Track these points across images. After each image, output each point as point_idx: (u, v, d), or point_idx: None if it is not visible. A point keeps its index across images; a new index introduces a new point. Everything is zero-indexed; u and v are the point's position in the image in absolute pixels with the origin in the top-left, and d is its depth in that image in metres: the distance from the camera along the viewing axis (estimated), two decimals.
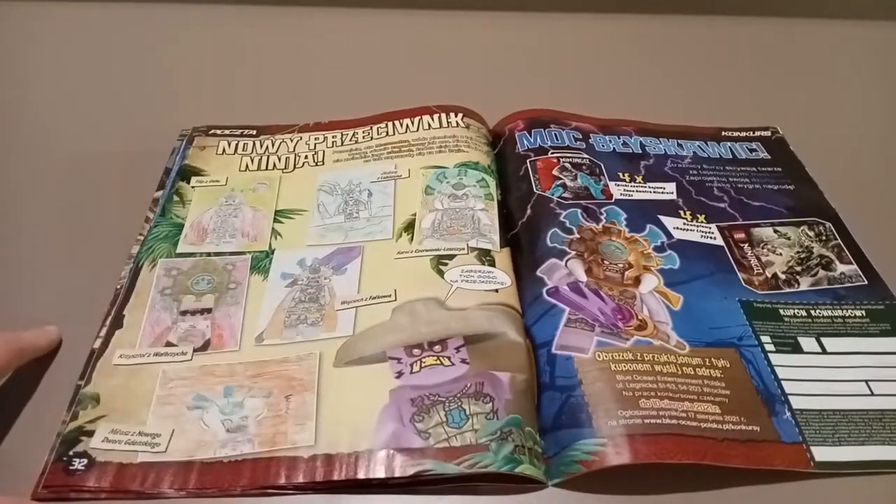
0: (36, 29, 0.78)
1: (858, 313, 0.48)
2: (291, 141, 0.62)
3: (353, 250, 0.52)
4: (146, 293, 0.48)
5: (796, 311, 0.48)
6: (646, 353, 0.44)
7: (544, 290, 0.48)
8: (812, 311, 0.48)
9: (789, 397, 0.43)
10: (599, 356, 0.43)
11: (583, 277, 0.49)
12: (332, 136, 0.62)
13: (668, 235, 0.53)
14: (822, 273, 0.51)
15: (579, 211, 0.54)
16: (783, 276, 0.51)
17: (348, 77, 0.72)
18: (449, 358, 0.44)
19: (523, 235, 0.53)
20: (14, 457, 0.40)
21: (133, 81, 0.71)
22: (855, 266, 0.52)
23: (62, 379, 0.43)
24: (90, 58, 0.74)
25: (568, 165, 0.58)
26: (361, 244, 0.52)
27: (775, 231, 0.55)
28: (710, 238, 0.54)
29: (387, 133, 0.62)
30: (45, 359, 0.45)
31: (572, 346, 0.44)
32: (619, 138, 0.63)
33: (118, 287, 0.49)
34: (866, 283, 0.51)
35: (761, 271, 0.51)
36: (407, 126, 0.62)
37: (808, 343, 0.46)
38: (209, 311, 0.47)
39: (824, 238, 0.54)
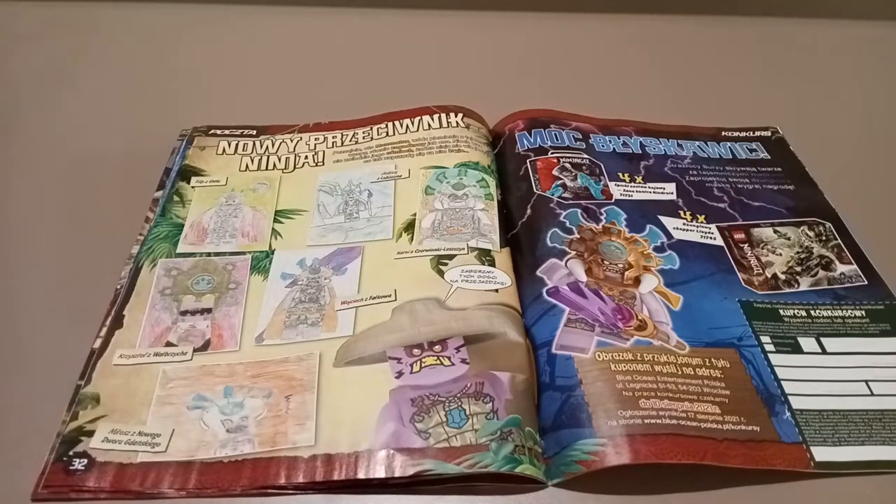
0: (36, 29, 0.78)
1: (858, 313, 0.48)
2: (291, 141, 0.62)
3: (353, 250, 0.52)
4: (146, 293, 0.48)
5: (796, 311, 0.48)
6: (646, 353, 0.44)
7: (544, 290, 0.48)
8: (812, 312, 0.48)
9: (789, 397, 0.43)
10: (599, 356, 0.43)
11: (583, 277, 0.49)
12: (332, 137, 0.62)
13: (668, 236, 0.53)
14: (821, 273, 0.51)
15: (579, 211, 0.54)
16: (783, 277, 0.51)
17: (348, 77, 0.72)
18: (449, 358, 0.44)
19: (523, 235, 0.53)
20: (14, 457, 0.40)
21: (133, 81, 0.71)
22: (855, 266, 0.52)
23: (62, 379, 0.43)
24: (90, 58, 0.74)
25: (568, 165, 0.58)
26: (361, 244, 0.52)
27: (775, 231, 0.55)
28: (710, 238, 0.54)
29: (387, 133, 0.62)
30: (45, 359, 0.45)
31: (572, 346, 0.44)
32: (619, 138, 0.63)
33: (118, 287, 0.49)
34: (866, 283, 0.51)
35: (761, 271, 0.51)
36: (407, 126, 0.62)
37: (807, 343, 0.46)
38: (209, 311, 0.47)
39: (824, 238, 0.54)
